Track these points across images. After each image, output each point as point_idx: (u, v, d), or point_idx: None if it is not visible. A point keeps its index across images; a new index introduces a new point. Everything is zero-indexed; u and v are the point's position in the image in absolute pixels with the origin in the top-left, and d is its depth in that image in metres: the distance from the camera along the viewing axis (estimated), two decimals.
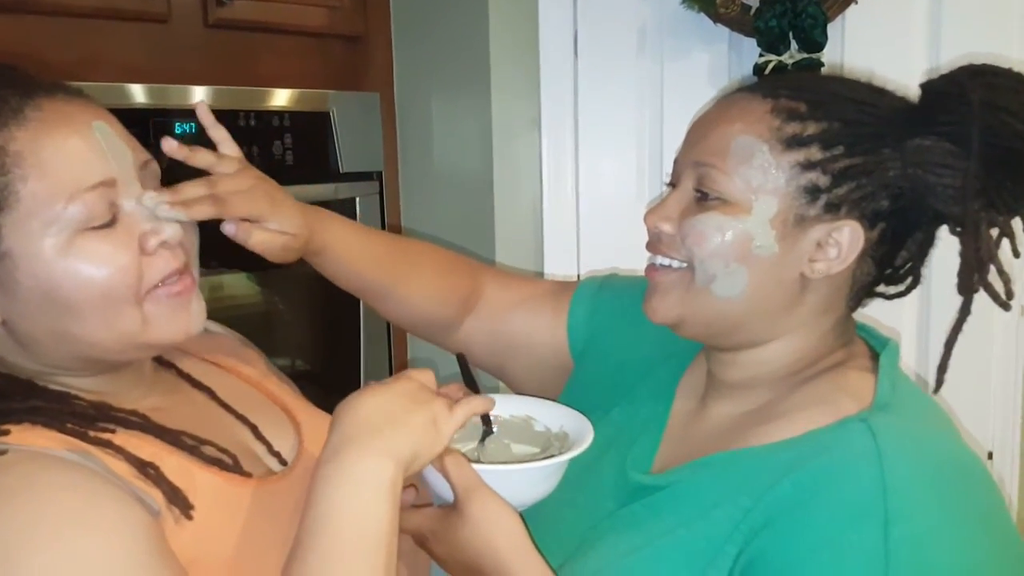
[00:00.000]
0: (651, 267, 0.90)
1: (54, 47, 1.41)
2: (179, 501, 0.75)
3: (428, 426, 0.79)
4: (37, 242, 0.74)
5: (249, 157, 0.98)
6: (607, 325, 1.08)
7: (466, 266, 1.18)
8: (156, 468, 0.75)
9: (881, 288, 0.90)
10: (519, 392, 1.13)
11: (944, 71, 0.83)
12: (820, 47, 1.54)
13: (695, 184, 0.86)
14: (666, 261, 0.88)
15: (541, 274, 1.84)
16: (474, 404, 0.85)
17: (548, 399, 0.99)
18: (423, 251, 1.16)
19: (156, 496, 0.74)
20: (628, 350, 1.05)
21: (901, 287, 0.91)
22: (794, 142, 0.82)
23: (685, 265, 0.87)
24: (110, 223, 0.77)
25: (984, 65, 0.82)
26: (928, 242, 0.88)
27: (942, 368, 0.87)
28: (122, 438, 0.76)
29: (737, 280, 0.84)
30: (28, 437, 0.72)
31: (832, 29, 1.55)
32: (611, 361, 1.06)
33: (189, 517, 0.75)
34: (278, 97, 1.73)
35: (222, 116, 0.99)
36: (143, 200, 0.79)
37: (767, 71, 1.55)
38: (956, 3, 1.58)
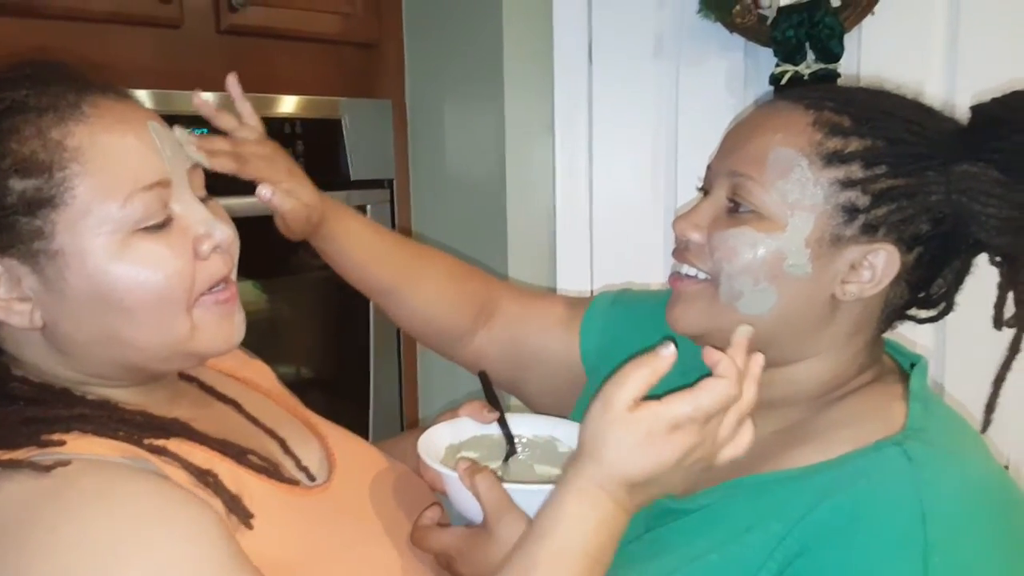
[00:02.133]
0: (675, 276, 0.89)
1: (65, 51, 1.41)
2: (239, 510, 0.73)
3: (687, 480, 0.75)
4: (90, 241, 0.72)
5: None
6: (620, 338, 1.06)
7: (480, 276, 1.17)
8: (215, 476, 0.74)
9: (913, 312, 0.88)
10: (533, 407, 1.12)
11: (996, 94, 0.81)
12: (837, 57, 1.52)
13: (729, 193, 0.84)
14: (692, 271, 0.86)
15: (554, 280, 1.83)
16: (743, 448, 0.76)
17: (571, 420, 0.97)
18: (436, 256, 1.15)
19: (216, 505, 0.72)
20: None
21: (933, 312, 0.88)
22: (835, 158, 0.80)
23: (709, 278, 0.85)
24: (163, 224, 0.76)
25: None
26: (965, 269, 0.85)
27: (990, 408, 0.85)
28: (174, 445, 0.75)
29: (765, 299, 0.82)
30: (83, 445, 0.70)
31: (849, 40, 1.54)
32: None
33: (250, 526, 0.73)
34: (290, 104, 1.72)
35: None
36: (174, 131, 0.79)
37: (783, 81, 1.54)
38: (974, 15, 1.57)
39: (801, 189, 0.80)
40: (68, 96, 0.74)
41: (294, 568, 0.75)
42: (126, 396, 0.79)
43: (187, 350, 0.78)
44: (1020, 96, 0.79)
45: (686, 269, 0.87)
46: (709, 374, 0.98)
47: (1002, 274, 0.82)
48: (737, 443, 0.75)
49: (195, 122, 1.51)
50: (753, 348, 0.85)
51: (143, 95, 1.48)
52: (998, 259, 0.82)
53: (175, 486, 0.70)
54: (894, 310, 0.86)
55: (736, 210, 0.83)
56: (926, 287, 0.85)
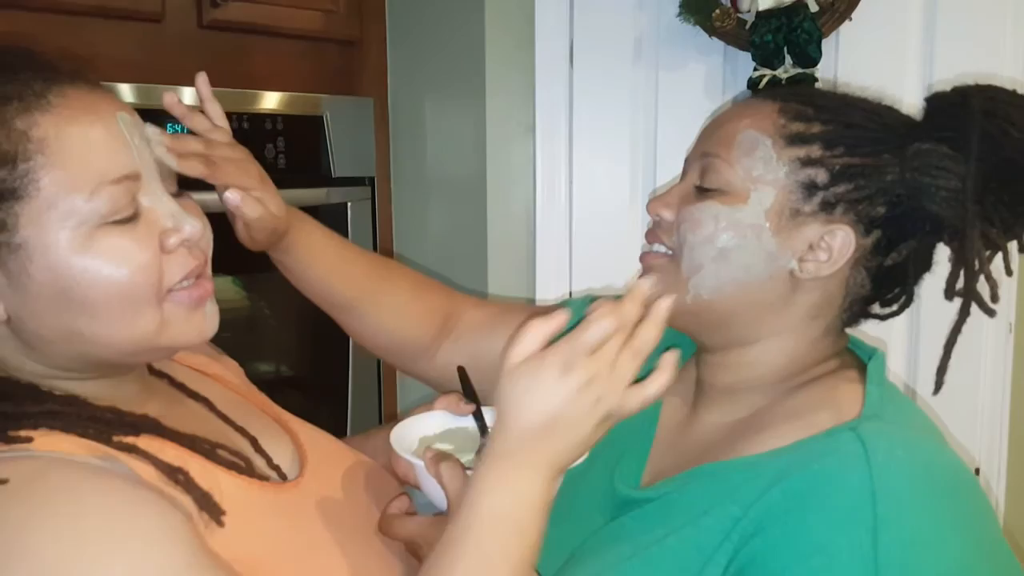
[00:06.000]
0: (645, 254, 0.92)
1: (46, 44, 1.40)
2: (210, 507, 0.72)
3: (598, 430, 0.72)
4: (54, 234, 0.70)
5: None
6: None
7: (443, 289, 1.17)
8: (185, 473, 0.73)
9: (875, 309, 0.91)
10: None
11: (942, 87, 0.85)
12: (814, 62, 1.54)
13: (699, 174, 0.88)
14: (661, 248, 0.90)
15: (533, 281, 1.83)
16: (656, 387, 0.73)
17: None
18: (398, 269, 1.16)
19: (186, 502, 0.72)
20: None
21: (894, 307, 0.91)
22: (797, 139, 0.84)
23: (673, 252, 0.88)
24: (131, 218, 0.73)
25: (988, 84, 0.83)
26: (924, 261, 0.88)
27: (941, 370, 0.87)
28: (144, 442, 0.74)
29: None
30: (51, 443, 0.69)
31: (826, 45, 1.56)
32: None
33: (221, 524, 0.72)
34: (271, 100, 1.72)
35: None
36: (146, 131, 0.77)
37: (761, 85, 1.55)
38: (950, 20, 1.60)
39: (764, 165, 0.85)
40: (34, 85, 0.71)
41: (266, 565, 0.75)
42: (95, 390, 0.78)
43: (156, 344, 0.76)
44: (972, 86, 0.83)
45: (656, 247, 0.91)
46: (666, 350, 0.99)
47: (953, 249, 0.85)
48: (646, 388, 0.73)
49: (175, 118, 1.52)
50: (708, 323, 0.87)
51: (124, 89, 1.48)
52: (950, 237, 0.85)
53: (141, 488, 0.69)
54: (855, 300, 0.88)
55: (706, 190, 0.87)
56: (885, 274, 0.87)
